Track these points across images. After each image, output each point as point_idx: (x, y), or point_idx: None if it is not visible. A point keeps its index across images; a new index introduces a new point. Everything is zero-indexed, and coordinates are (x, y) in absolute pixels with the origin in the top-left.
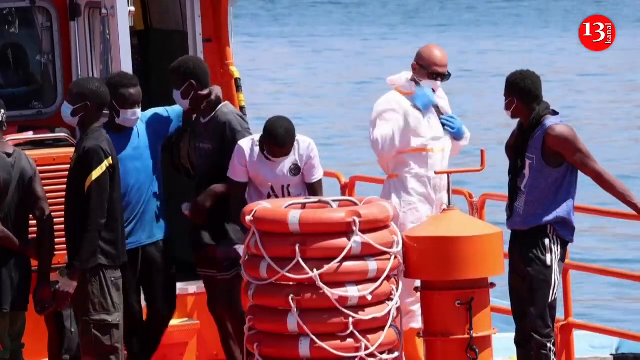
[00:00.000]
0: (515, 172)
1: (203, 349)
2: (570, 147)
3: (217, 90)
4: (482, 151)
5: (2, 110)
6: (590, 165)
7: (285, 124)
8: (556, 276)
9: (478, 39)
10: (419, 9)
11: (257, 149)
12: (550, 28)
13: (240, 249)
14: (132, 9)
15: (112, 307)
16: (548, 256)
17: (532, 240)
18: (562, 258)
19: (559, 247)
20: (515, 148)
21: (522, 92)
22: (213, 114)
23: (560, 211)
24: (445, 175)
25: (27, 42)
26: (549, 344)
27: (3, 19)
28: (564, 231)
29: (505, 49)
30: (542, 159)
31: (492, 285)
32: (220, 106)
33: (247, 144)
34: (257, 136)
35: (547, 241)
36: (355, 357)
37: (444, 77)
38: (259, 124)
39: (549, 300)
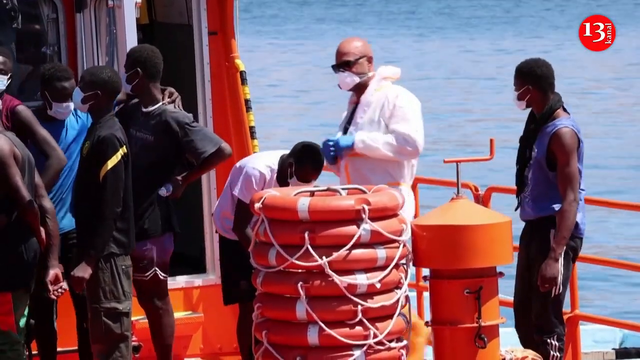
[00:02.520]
0: (522, 162)
1: (207, 342)
2: (561, 157)
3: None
4: (491, 140)
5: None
6: (567, 187)
7: (318, 148)
8: (559, 270)
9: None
10: (416, 10)
11: (274, 175)
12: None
13: (152, 248)
14: (139, 0)
15: (122, 295)
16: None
17: (539, 232)
18: (571, 251)
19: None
20: (525, 138)
21: (538, 80)
22: (157, 105)
23: None
24: None
25: (32, 34)
26: (550, 340)
27: (9, 10)
28: None
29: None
30: (545, 158)
31: (501, 274)
32: (164, 101)
33: (267, 171)
34: (271, 162)
35: (552, 234)
36: (364, 345)
37: (336, 68)
38: (260, 123)
39: (553, 295)
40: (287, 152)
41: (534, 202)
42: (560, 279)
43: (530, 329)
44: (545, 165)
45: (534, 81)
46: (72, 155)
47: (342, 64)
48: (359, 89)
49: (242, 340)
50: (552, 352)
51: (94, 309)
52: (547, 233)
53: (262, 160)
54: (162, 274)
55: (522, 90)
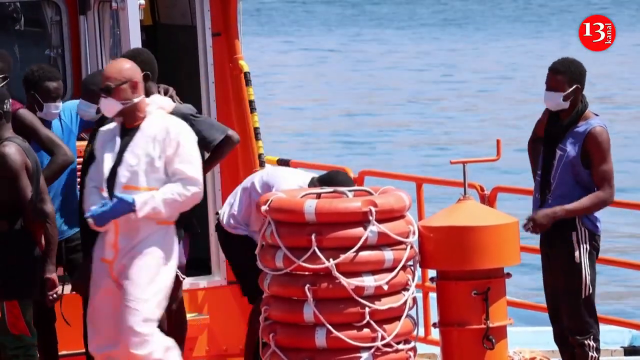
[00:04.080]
0: (547, 164)
1: (213, 343)
2: (598, 155)
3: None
4: (497, 141)
5: (7, 100)
6: (605, 184)
7: (350, 181)
8: (586, 271)
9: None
10: (416, 10)
11: None
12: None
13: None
14: (142, 2)
15: None
16: (576, 253)
17: (560, 235)
18: (595, 250)
19: (587, 241)
20: (549, 137)
21: (583, 78)
22: None
23: None
24: None
25: (36, 37)
26: (587, 341)
27: (12, 13)
28: (591, 224)
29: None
30: (580, 158)
31: (509, 275)
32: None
33: None
34: (302, 182)
35: (574, 235)
36: (372, 347)
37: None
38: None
39: (583, 296)
40: (317, 175)
41: (555, 203)
42: (588, 279)
43: (564, 332)
44: (581, 164)
45: (581, 80)
46: None
47: (104, 89)
48: (126, 115)
49: (250, 339)
50: (590, 353)
51: None
52: (568, 238)
53: (294, 180)
54: (182, 276)
55: (572, 90)
